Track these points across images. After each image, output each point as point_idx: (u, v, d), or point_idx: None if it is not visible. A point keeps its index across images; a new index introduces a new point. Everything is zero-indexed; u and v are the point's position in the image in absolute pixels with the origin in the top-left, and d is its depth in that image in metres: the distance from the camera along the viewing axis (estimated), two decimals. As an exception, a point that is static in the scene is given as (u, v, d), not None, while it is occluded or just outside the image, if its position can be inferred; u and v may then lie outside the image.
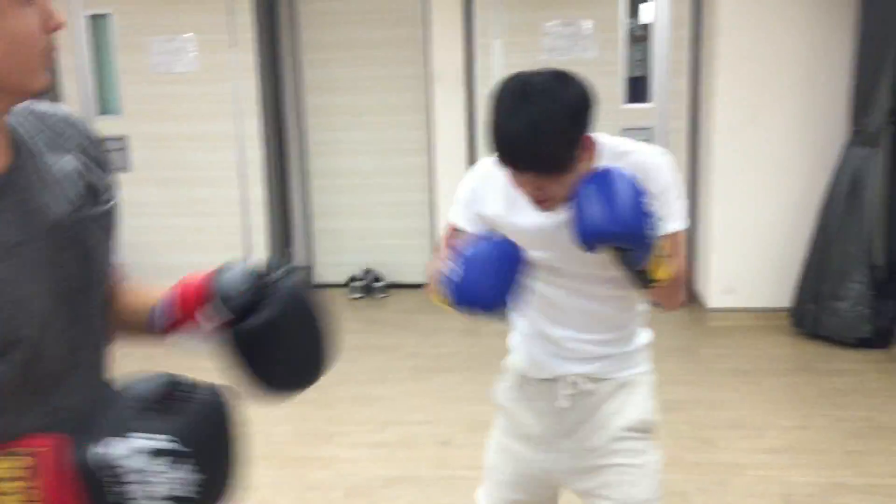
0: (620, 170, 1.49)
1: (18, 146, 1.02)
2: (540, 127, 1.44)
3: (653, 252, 1.48)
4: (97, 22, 5.06)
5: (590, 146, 1.52)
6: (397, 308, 5.20)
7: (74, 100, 5.12)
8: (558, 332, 1.74)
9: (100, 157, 1.15)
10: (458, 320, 4.88)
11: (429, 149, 5.26)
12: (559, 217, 1.58)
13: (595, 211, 1.43)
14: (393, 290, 5.47)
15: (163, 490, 0.94)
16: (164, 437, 0.95)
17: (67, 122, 1.12)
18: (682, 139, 4.86)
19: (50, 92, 4.75)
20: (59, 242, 1.02)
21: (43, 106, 1.11)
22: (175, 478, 0.95)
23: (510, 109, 1.45)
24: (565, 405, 1.75)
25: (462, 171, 5.11)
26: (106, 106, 5.17)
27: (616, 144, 1.60)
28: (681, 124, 4.85)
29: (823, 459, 3.16)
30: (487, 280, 1.53)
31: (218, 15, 4.94)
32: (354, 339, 4.68)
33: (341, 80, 5.36)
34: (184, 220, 5.17)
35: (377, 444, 3.39)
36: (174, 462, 0.95)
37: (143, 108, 5.09)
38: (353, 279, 5.50)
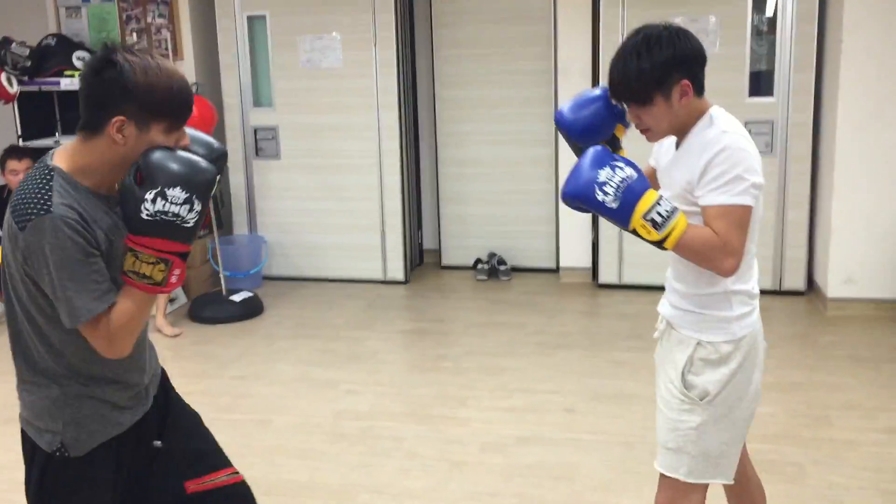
0: (599, 149, 1.87)
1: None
2: (626, 59, 1.89)
3: (630, 220, 1.82)
4: (254, 22, 5.57)
5: (684, 93, 1.88)
6: (520, 290, 5.51)
7: (232, 93, 5.64)
8: (669, 271, 2.11)
9: None
10: (578, 302, 5.17)
11: (555, 140, 5.53)
12: (664, 160, 2.05)
13: (568, 178, 1.88)
14: (516, 274, 5.78)
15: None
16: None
17: None
18: (805, 133, 4.95)
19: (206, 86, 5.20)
20: None
21: None
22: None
23: (621, 45, 1.93)
24: (655, 336, 2.17)
25: (586, 161, 5.36)
26: (259, 99, 5.68)
27: (717, 118, 1.91)
28: (804, 118, 4.94)
29: (938, 440, 3.28)
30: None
31: (362, 15, 5.35)
32: (481, 316, 5.04)
33: (472, 75, 5.69)
34: (327, 204, 5.62)
35: (507, 409, 3.71)
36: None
37: (292, 101, 5.56)
38: (478, 262, 5.84)
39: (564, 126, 2.09)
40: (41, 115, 5.64)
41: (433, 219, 6.06)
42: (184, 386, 4.11)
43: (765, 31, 5.03)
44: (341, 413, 3.68)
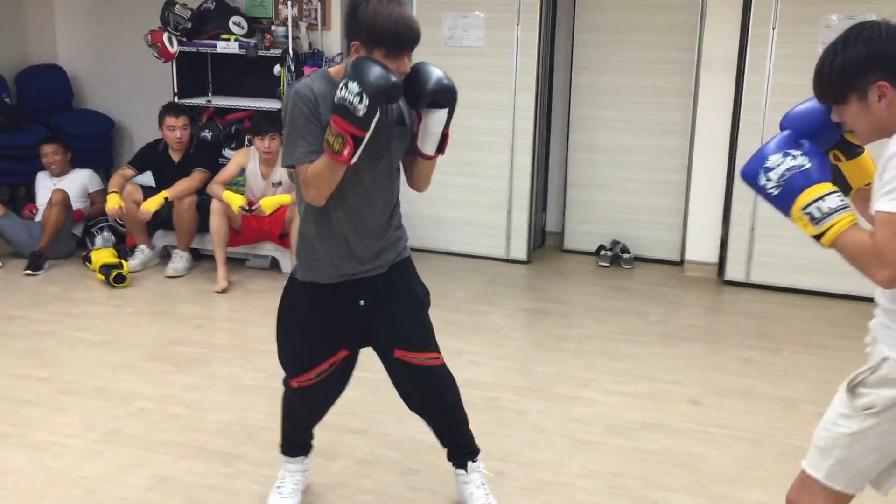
0: (784, 134, 1.90)
1: None
2: (826, 55, 1.87)
3: (790, 209, 1.84)
4: (402, -3, 5.70)
5: (883, 94, 1.78)
6: (643, 280, 5.50)
7: (375, 65, 5.80)
8: None
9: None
10: (702, 296, 5.13)
11: (691, 132, 5.47)
12: None
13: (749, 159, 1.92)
14: (638, 263, 5.77)
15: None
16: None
17: None
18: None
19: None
20: None
21: None
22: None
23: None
24: (865, 351, 2.04)
25: (722, 155, 5.29)
26: (400, 72, 5.83)
27: None
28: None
29: None
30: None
31: (508, -5, 5.42)
32: (602, 302, 5.06)
33: (610, 61, 5.67)
34: (456, 179, 5.72)
35: (630, 394, 3.75)
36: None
37: None
38: (601, 248, 5.85)
39: (782, 128, 2.02)
40: (197, 76, 5.95)
41: (559, 202, 6.09)
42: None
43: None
44: (466, 382, 3.75)
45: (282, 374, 3.92)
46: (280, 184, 5.22)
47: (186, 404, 3.56)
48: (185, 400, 3.60)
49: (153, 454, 3.15)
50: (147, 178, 5.53)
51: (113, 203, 5.19)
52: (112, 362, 3.99)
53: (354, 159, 2.22)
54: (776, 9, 4.90)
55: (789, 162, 1.85)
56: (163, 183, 5.36)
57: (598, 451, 3.24)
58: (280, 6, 5.82)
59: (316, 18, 5.79)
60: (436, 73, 2.30)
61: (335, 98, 2.17)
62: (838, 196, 1.82)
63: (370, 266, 2.50)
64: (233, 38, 5.62)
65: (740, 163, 5.22)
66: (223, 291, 5.03)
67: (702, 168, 5.39)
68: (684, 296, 5.18)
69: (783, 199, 1.85)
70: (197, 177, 5.28)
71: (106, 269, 5.08)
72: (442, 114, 2.35)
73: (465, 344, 4.27)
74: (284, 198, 5.12)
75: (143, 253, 5.43)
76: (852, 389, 1.89)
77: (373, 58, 2.19)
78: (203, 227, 5.25)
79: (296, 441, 2.86)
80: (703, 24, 5.29)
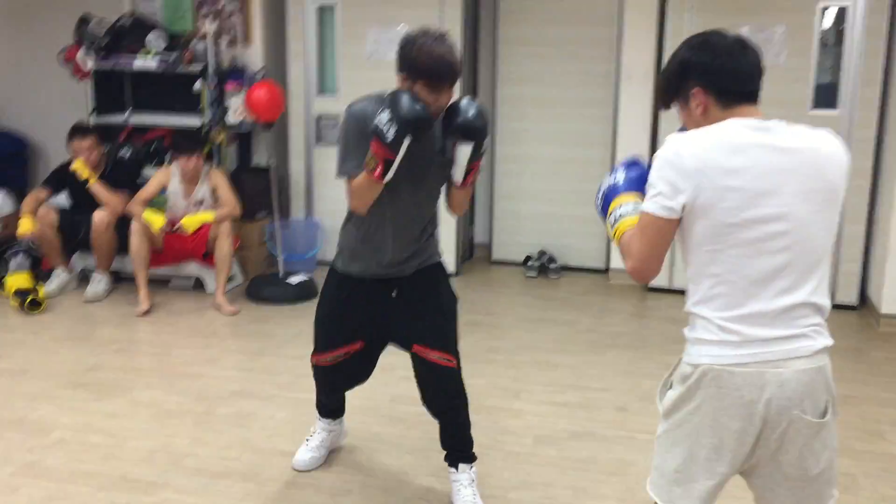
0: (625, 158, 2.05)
1: None
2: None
3: (605, 220, 2.00)
4: (324, 12, 5.68)
5: (699, 103, 1.82)
6: (570, 289, 5.56)
7: (299, 80, 5.77)
8: None
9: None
10: (627, 304, 5.22)
11: (613, 142, 5.57)
12: None
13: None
14: (565, 273, 5.84)
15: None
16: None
17: None
18: (867, 148, 4.95)
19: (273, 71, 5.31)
20: None
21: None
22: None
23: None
24: None
25: (643, 164, 5.40)
26: (324, 86, 5.80)
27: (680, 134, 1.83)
28: (868, 133, 4.93)
29: None
30: None
31: (429, 10, 5.44)
32: (532, 312, 5.11)
33: (533, 74, 5.75)
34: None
35: (560, 404, 3.78)
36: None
37: (356, 91, 5.52)
38: (528, 259, 5.90)
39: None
40: (115, 93, 5.80)
41: (486, 214, 6.13)
42: (244, 362, 4.28)
43: (831, 44, 5.02)
44: (397, 398, 3.77)
45: (208, 396, 3.84)
46: (202, 202, 5.12)
47: (107, 432, 3.45)
48: (106, 428, 3.49)
49: (73, 486, 3.04)
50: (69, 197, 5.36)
51: (25, 227, 5.01)
52: (29, 392, 3.84)
53: (386, 179, 2.51)
54: (689, 22, 5.04)
55: (609, 180, 2.01)
56: (80, 204, 5.20)
57: (528, 462, 3.25)
58: (200, 21, 5.73)
59: (237, 34, 5.71)
60: (469, 109, 2.51)
61: (374, 122, 2.45)
62: (634, 204, 1.91)
63: (397, 269, 2.80)
64: (151, 54, 5.50)
65: (661, 172, 5.34)
66: (145, 314, 4.90)
67: (624, 177, 5.48)
68: (610, 303, 5.27)
69: (603, 213, 2.01)
70: (115, 198, 5.14)
71: (20, 294, 4.90)
72: (467, 148, 2.55)
73: (395, 359, 4.22)
74: (207, 216, 5.02)
75: (60, 276, 5.25)
76: (663, 392, 1.93)
77: (410, 90, 2.47)
78: (123, 248, 5.11)
79: (325, 405, 3.18)
80: (620, 36, 5.41)
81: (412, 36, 2.51)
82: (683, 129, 1.96)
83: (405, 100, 2.42)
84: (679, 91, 1.86)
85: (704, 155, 1.72)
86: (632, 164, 2.03)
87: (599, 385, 3.98)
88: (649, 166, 1.94)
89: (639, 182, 1.95)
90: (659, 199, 1.75)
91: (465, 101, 2.54)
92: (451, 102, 2.56)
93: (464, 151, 2.56)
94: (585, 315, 5.03)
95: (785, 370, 1.75)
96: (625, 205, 1.93)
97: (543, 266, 5.84)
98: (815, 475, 1.83)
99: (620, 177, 1.99)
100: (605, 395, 3.85)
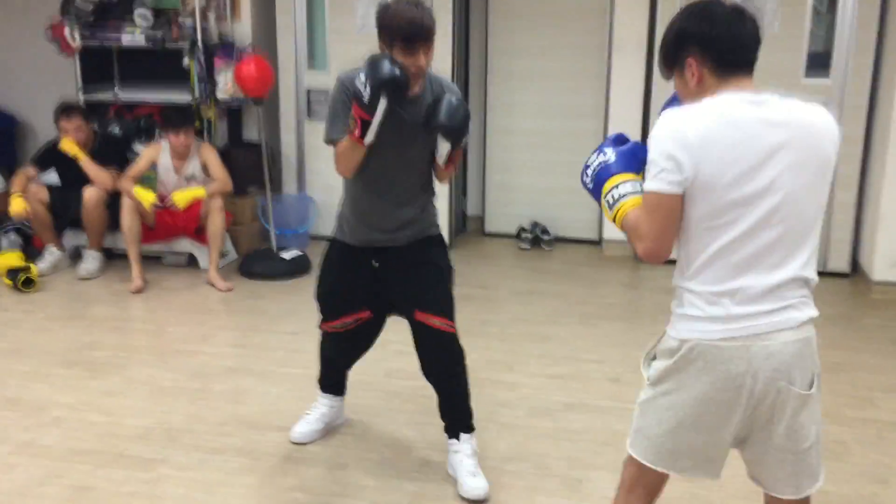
0: (610, 136, 2.04)
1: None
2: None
3: (600, 200, 1.96)
4: (313, -15, 5.63)
5: (693, 72, 1.81)
6: (563, 260, 5.58)
7: (288, 54, 5.72)
8: None
9: None
10: (620, 275, 5.23)
11: (605, 113, 5.55)
12: None
13: None
14: (558, 244, 5.85)
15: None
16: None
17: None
18: (860, 115, 4.94)
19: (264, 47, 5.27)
20: None
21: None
22: None
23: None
24: None
25: (636, 136, 5.38)
26: (314, 61, 5.75)
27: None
28: (860, 101, 4.93)
29: (982, 426, 3.33)
30: None
31: (420, -19, 5.38)
32: (525, 284, 5.12)
33: (525, 46, 5.71)
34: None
35: (553, 376, 3.80)
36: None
37: (346, 65, 5.44)
38: (521, 231, 5.90)
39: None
40: (102, 69, 5.75)
41: (478, 186, 6.12)
42: (238, 339, 4.30)
43: (824, 12, 5.00)
44: (392, 372, 3.78)
45: (203, 373, 3.85)
46: (193, 177, 5.09)
47: (104, 411, 3.46)
48: (102, 406, 3.50)
49: (70, 464, 3.05)
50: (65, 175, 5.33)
51: (17, 206, 4.99)
52: (23, 371, 3.85)
53: (367, 140, 2.60)
54: (682, -9, 5.00)
55: (600, 158, 1.97)
56: (69, 181, 5.17)
57: (523, 434, 3.28)
58: (186, -5, 5.65)
59: (225, 8, 5.65)
60: (448, 110, 2.60)
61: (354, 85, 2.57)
62: (632, 184, 1.89)
63: (389, 237, 2.85)
64: (138, 30, 5.44)
65: (653, 142, 5.33)
66: (138, 291, 4.90)
67: (616, 149, 5.47)
68: (603, 275, 5.28)
69: (595, 192, 1.98)
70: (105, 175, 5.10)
71: (13, 273, 4.89)
72: (446, 145, 2.68)
73: (389, 334, 4.20)
74: (199, 191, 5.00)
75: (52, 255, 5.23)
76: (648, 361, 1.95)
77: (386, 53, 2.58)
78: (114, 224, 5.09)
79: (327, 380, 3.26)
80: (612, 7, 5.36)
81: (387, 3, 2.64)
82: (673, 101, 1.96)
83: (380, 62, 2.52)
84: (676, 60, 1.84)
85: (706, 130, 1.71)
86: (619, 140, 2.00)
87: (592, 356, 4.00)
88: (636, 143, 1.94)
89: (631, 159, 1.93)
90: (664, 176, 1.73)
91: (446, 101, 2.62)
92: (435, 94, 2.68)
93: (443, 145, 2.68)
94: (578, 286, 5.04)
95: (772, 342, 1.76)
96: (622, 184, 1.90)
97: (536, 238, 5.84)
98: (805, 448, 1.84)
99: (611, 155, 1.95)
100: (599, 367, 3.88)
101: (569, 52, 5.63)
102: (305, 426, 3.21)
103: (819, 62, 5.00)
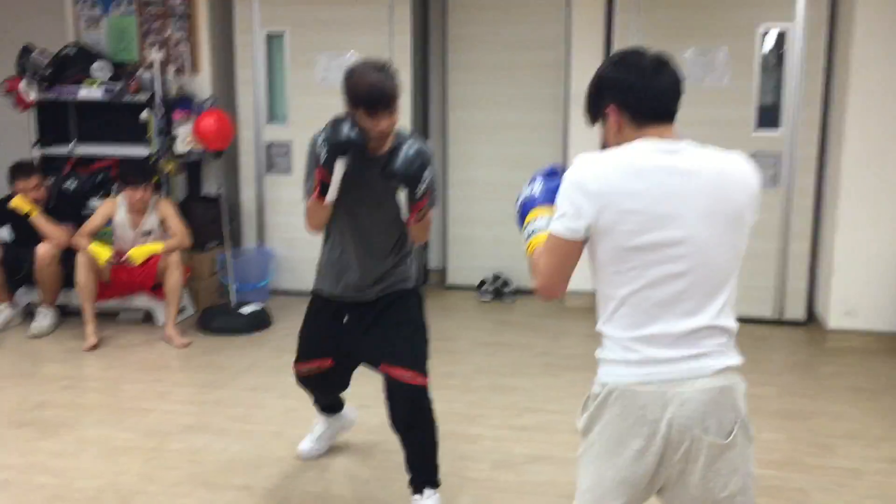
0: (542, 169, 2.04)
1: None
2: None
3: (522, 234, 1.98)
4: (273, 40, 5.67)
5: (614, 120, 1.81)
6: (525, 312, 5.58)
7: (248, 108, 5.73)
8: None
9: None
10: (584, 326, 5.24)
11: (563, 165, 5.61)
12: None
13: None
14: (520, 296, 5.85)
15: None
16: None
17: None
18: (810, 166, 5.07)
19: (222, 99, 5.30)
20: None
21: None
22: None
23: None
24: None
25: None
26: (274, 114, 5.77)
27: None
28: (810, 152, 5.06)
29: (940, 471, 3.36)
30: None
31: (380, 36, 5.46)
32: (487, 336, 5.10)
33: (483, 98, 5.79)
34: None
35: (517, 428, 3.77)
36: None
37: (307, 117, 5.62)
38: (483, 283, 5.91)
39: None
40: (59, 124, 5.69)
41: (439, 239, 6.13)
42: (196, 396, 4.20)
43: (773, 66, 5.15)
44: (353, 427, 3.72)
45: (158, 431, 3.75)
46: (150, 233, 5.03)
47: (53, 472, 3.34)
48: (52, 468, 3.38)
49: (16, 530, 2.93)
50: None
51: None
52: (-31, 433, 3.71)
53: (328, 199, 2.68)
54: (636, 44, 5.12)
55: (527, 191, 1.99)
56: (23, 238, 5.07)
57: (485, 487, 3.23)
58: (146, 51, 5.66)
59: (184, 62, 5.66)
60: (404, 157, 2.60)
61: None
62: (548, 219, 1.87)
63: (360, 293, 2.90)
64: (96, 83, 5.42)
65: (611, 193, 5.40)
66: (93, 348, 4.78)
67: (575, 200, 5.53)
68: (566, 326, 5.29)
69: (520, 222, 1.99)
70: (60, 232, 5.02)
71: (-38, 331, 4.75)
72: (404, 190, 2.68)
73: (352, 387, 4.19)
74: (156, 246, 4.93)
75: (3, 312, 5.11)
76: (580, 412, 1.90)
77: (348, 116, 2.63)
78: (69, 281, 4.99)
79: (320, 404, 3.36)
80: (569, 59, 5.48)
81: (353, 66, 2.68)
82: (550, 171, 2.01)
83: (338, 124, 2.60)
84: (598, 108, 1.86)
85: (606, 178, 1.73)
86: (550, 173, 2.00)
87: (556, 407, 3.98)
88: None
89: (555, 193, 1.89)
90: (564, 221, 1.77)
91: (405, 148, 2.63)
92: (396, 143, 2.67)
93: (402, 193, 2.70)
94: (541, 337, 5.04)
95: (686, 389, 1.74)
96: (539, 219, 1.92)
97: (498, 290, 5.85)
98: (724, 497, 1.78)
99: (538, 188, 1.97)
100: (562, 418, 3.85)
101: (527, 104, 5.73)
102: (307, 444, 3.42)
103: (769, 115, 5.13)
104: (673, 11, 5.16)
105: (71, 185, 5.46)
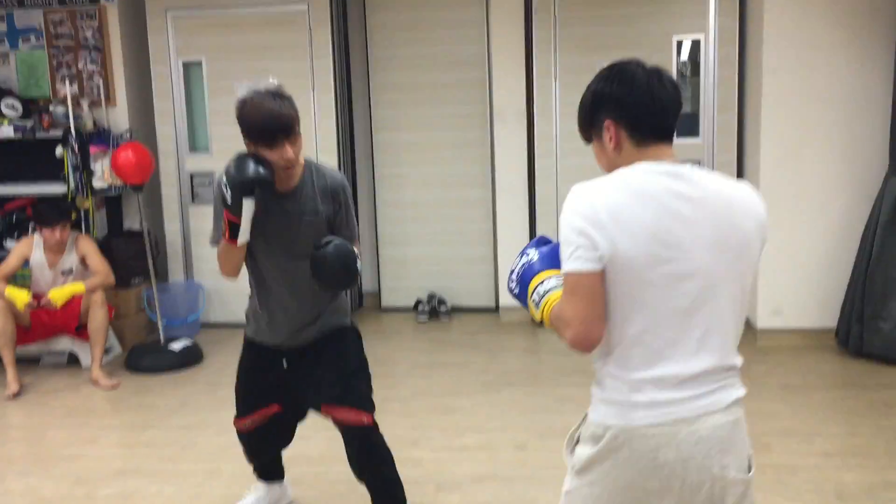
0: (535, 239, 1.96)
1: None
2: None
3: (527, 303, 1.84)
4: (190, 69, 5.56)
5: (610, 137, 1.70)
6: (462, 330, 5.56)
7: (168, 139, 5.60)
8: None
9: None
10: (521, 341, 5.25)
11: (492, 181, 5.65)
12: None
13: None
14: (456, 314, 5.84)
15: None
16: None
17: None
18: (730, 171, 5.19)
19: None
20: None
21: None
22: None
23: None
24: None
25: (523, 202, 5.50)
26: (195, 144, 5.65)
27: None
28: (729, 157, 5.19)
29: (872, 461, 3.44)
30: None
31: (300, 60, 5.41)
32: (425, 357, 5.06)
33: (409, 119, 5.78)
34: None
35: (459, 448, 3.73)
36: None
37: (229, 147, 5.44)
38: (419, 303, 5.87)
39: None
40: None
41: (372, 262, 6.08)
42: (125, 438, 4.05)
43: (688, 76, 5.28)
44: (293, 459, 3.61)
45: (87, 478, 3.60)
46: (70, 272, 4.85)
47: (-25, 531, 3.17)
48: (-26, 526, 3.21)
49: None
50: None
51: None
52: None
53: (239, 242, 2.51)
54: (554, 61, 5.20)
55: (523, 260, 1.89)
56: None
57: (432, 512, 3.18)
58: (58, 85, 5.49)
59: (99, 94, 5.51)
60: (334, 268, 2.48)
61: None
62: (556, 278, 1.78)
63: (293, 338, 2.75)
64: (6, 121, 5.22)
65: (539, 207, 5.45)
66: (15, 396, 4.57)
67: (505, 215, 5.57)
68: (503, 342, 5.29)
69: (521, 294, 1.87)
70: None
71: None
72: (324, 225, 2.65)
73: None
74: (77, 286, 4.75)
75: (-84, 364, 4.85)
76: (570, 446, 1.81)
77: (249, 151, 2.47)
78: (-14, 327, 4.77)
79: (256, 466, 3.13)
80: (490, 78, 5.51)
81: (243, 97, 2.49)
82: (539, 241, 1.95)
83: (239, 162, 2.43)
84: (594, 124, 1.74)
85: (617, 204, 1.60)
86: (541, 241, 1.93)
87: (497, 424, 3.95)
88: (558, 243, 1.78)
89: (555, 258, 1.80)
90: (580, 253, 1.60)
91: (333, 255, 2.48)
92: (304, 177, 2.60)
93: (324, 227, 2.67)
94: (479, 355, 5.02)
95: (700, 426, 1.64)
96: (547, 280, 1.80)
97: (434, 309, 5.82)
98: None
99: (534, 255, 1.86)
100: (504, 435, 3.83)
101: (452, 123, 5.74)
102: None
103: (689, 123, 5.25)
104: (590, 26, 5.25)
105: (-17, 227, 5.25)
